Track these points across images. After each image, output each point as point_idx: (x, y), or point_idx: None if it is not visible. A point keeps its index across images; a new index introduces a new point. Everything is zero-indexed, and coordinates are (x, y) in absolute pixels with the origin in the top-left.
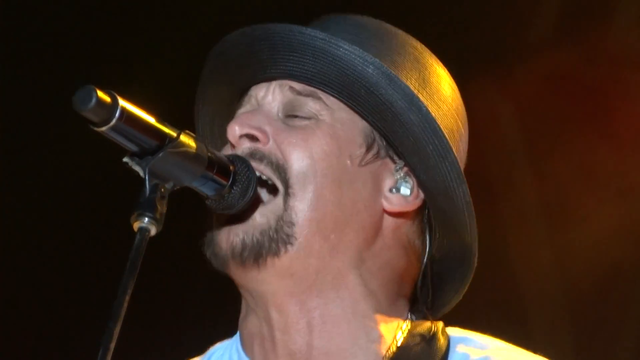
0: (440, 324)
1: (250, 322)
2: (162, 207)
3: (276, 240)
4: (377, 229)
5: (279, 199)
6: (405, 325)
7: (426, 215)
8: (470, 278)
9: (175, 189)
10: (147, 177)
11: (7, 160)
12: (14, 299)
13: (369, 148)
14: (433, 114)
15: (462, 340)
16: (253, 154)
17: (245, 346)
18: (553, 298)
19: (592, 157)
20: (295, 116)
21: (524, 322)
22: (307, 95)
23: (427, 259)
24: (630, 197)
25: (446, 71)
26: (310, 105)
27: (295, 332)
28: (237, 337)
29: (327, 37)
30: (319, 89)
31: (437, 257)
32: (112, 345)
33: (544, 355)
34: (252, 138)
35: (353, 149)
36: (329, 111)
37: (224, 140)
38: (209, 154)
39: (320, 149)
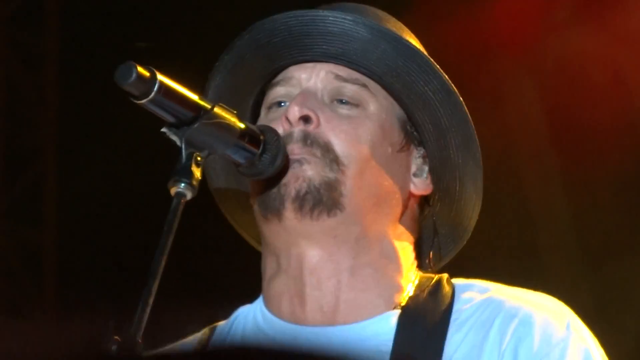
0: (445, 275)
1: (278, 281)
2: (197, 174)
3: (332, 199)
4: (405, 205)
5: (328, 167)
6: (415, 278)
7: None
8: (460, 247)
9: (209, 157)
10: (183, 146)
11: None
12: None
13: (405, 135)
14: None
15: (466, 286)
16: (305, 138)
17: (272, 305)
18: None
19: None
20: (342, 101)
21: (537, 269)
22: (353, 81)
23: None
24: None
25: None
26: (356, 91)
27: (326, 288)
28: (259, 300)
29: (373, 24)
30: (364, 74)
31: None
32: (151, 301)
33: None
34: (307, 120)
35: (393, 136)
36: (373, 98)
37: (242, 105)
38: (241, 124)
39: (368, 138)
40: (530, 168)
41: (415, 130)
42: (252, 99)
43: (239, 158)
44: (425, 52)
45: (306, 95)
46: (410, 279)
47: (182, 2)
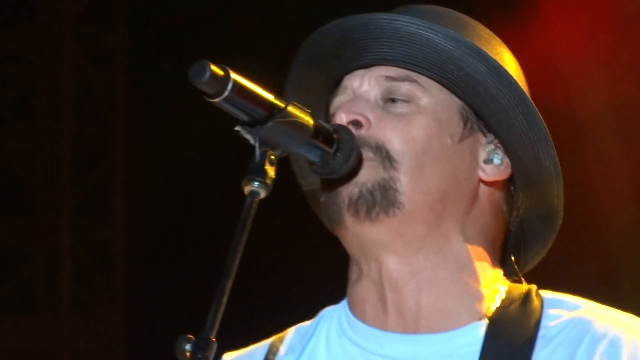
0: (534, 287)
1: (360, 286)
2: (271, 173)
3: (387, 198)
4: (474, 197)
5: (381, 166)
6: (503, 287)
7: (513, 181)
8: (553, 239)
9: (283, 155)
10: (257, 145)
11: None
12: (149, 256)
13: (465, 125)
14: (520, 85)
15: (555, 302)
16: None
17: (355, 310)
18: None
19: None
20: (394, 100)
21: (610, 278)
22: (403, 80)
23: (514, 222)
24: None
25: (510, 52)
26: (407, 88)
27: (406, 292)
28: (344, 302)
29: (418, 22)
30: (413, 71)
31: (522, 220)
32: (225, 300)
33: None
34: (357, 124)
35: (452, 127)
36: (426, 93)
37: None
38: (315, 123)
39: (423, 133)
40: (601, 174)
41: (479, 117)
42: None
43: (312, 157)
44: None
45: (355, 100)
46: (494, 287)
47: (251, 2)
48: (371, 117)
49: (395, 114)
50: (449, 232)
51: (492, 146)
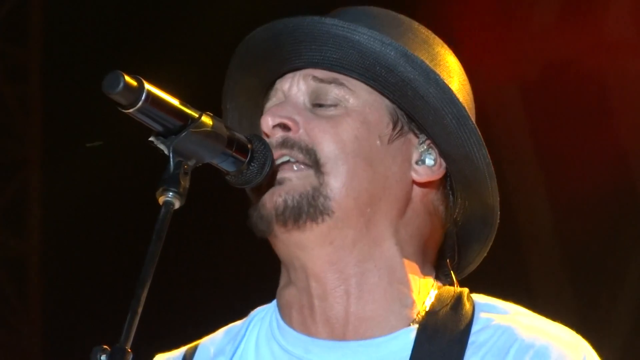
0: (466, 290)
1: (288, 292)
2: (185, 183)
3: (314, 207)
4: (407, 199)
5: (311, 171)
6: (433, 291)
7: (448, 182)
8: (493, 238)
9: (197, 165)
10: (171, 155)
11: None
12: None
13: (395, 126)
14: (449, 86)
15: (486, 306)
16: (285, 142)
17: (283, 314)
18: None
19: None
20: (321, 105)
21: (526, 281)
22: (330, 82)
23: (451, 223)
24: None
25: (450, 50)
26: (335, 92)
27: (333, 299)
28: (274, 304)
29: (345, 25)
30: (342, 73)
31: (459, 221)
32: (140, 309)
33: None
34: (284, 127)
35: (381, 129)
36: (354, 95)
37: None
38: (228, 133)
39: (351, 134)
40: (517, 183)
41: (411, 119)
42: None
43: (227, 166)
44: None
45: (282, 105)
46: (425, 291)
47: (166, 8)
48: (299, 119)
49: (323, 116)
50: (380, 237)
51: (425, 147)
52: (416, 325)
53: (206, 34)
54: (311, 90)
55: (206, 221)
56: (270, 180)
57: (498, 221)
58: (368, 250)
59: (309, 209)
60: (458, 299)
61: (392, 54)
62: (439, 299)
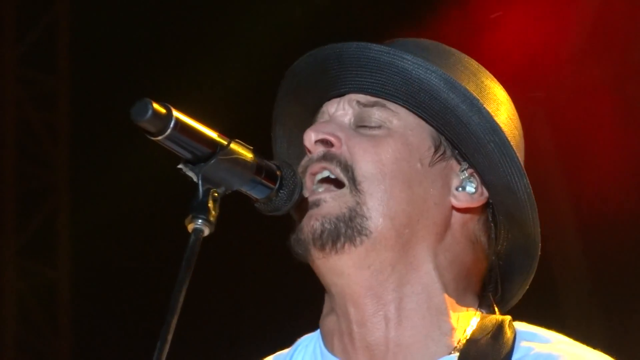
0: (508, 318)
1: (330, 319)
2: (214, 210)
3: (352, 228)
4: (446, 224)
5: (346, 190)
6: (475, 319)
7: (491, 212)
8: (535, 269)
9: (227, 193)
10: (200, 182)
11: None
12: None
13: (436, 150)
14: (492, 115)
15: (527, 334)
16: (325, 156)
17: (326, 342)
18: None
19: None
20: (365, 126)
21: (556, 306)
22: (373, 105)
23: (494, 255)
24: None
25: (500, 85)
26: (378, 114)
27: (372, 325)
28: (319, 332)
29: (390, 51)
30: (386, 99)
31: (503, 252)
32: (170, 337)
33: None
34: (327, 143)
35: (423, 152)
36: (397, 117)
37: (300, 161)
38: (257, 160)
39: (391, 155)
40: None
41: (453, 145)
42: None
43: (256, 194)
44: (449, 58)
45: (327, 122)
46: (467, 319)
47: (195, 35)
48: (342, 136)
49: (366, 135)
50: (418, 260)
51: (466, 174)
52: (457, 354)
53: (235, 61)
54: (356, 114)
55: (256, 247)
56: (307, 202)
57: (539, 253)
58: (406, 274)
59: (346, 231)
60: (499, 327)
61: (435, 80)
62: (480, 327)
